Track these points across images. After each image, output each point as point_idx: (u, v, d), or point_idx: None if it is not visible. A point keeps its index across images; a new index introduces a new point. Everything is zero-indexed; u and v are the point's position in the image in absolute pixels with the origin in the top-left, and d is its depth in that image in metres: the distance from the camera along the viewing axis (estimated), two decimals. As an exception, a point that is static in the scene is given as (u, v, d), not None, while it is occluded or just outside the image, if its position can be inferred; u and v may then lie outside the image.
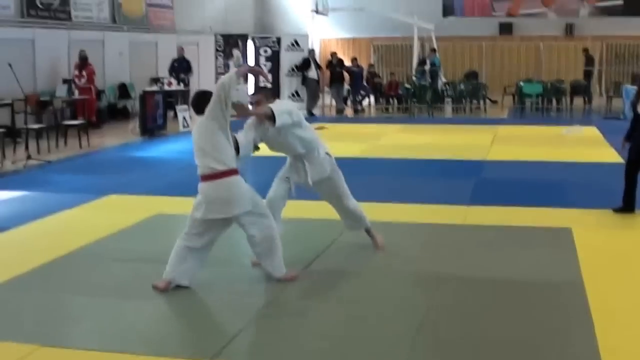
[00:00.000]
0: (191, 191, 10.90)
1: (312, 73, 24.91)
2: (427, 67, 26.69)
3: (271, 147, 8.05)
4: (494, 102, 26.74)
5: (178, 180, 12.87)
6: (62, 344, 5.91)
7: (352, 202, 8.44)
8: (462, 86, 26.17)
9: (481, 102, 26.13)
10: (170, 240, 8.66)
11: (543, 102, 25.31)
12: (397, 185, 12.25)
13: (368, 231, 8.60)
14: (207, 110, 6.97)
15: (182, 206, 10.02)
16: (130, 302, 6.99)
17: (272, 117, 7.30)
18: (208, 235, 7.26)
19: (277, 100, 7.91)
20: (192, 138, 7.26)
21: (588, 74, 27.90)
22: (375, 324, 6.30)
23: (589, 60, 28.43)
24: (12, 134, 17.13)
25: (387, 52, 32.50)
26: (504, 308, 6.67)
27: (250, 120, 7.69)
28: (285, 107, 7.60)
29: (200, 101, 7.10)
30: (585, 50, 28.68)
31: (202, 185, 7.19)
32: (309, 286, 7.33)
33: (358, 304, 6.80)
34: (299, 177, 8.10)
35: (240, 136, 7.45)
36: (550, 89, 25.50)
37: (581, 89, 26.06)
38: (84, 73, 20.86)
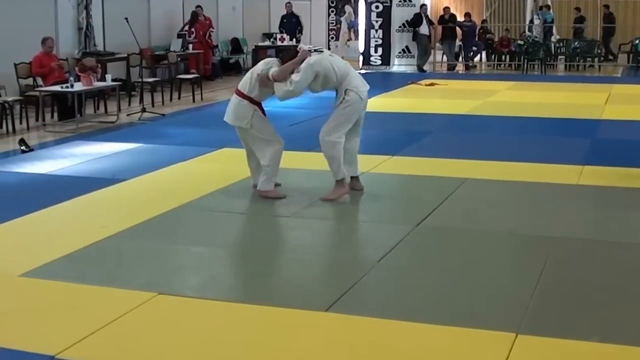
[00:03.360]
0: (303, 145, 11.04)
1: (424, 29, 24.68)
2: (538, 22, 26.20)
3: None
4: (608, 60, 26.11)
5: (289, 135, 12.92)
6: (179, 293, 6.02)
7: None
8: (576, 43, 25.62)
9: (595, 60, 25.56)
10: (283, 193, 8.78)
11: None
12: (509, 143, 12.09)
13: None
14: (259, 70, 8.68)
15: (294, 160, 10.13)
16: (244, 253, 7.11)
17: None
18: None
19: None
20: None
21: (610, 32, 26.35)
22: (489, 284, 6.25)
23: (609, 18, 26.48)
24: (128, 87, 17.47)
25: (500, 7, 31.97)
26: (619, 271, 6.55)
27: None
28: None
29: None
30: (606, 7, 26.75)
31: None
32: (421, 244, 7.32)
33: (471, 264, 6.75)
34: None
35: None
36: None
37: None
38: (193, 30, 21.13)
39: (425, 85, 20.31)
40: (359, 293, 6.06)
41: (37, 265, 6.63)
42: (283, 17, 24.77)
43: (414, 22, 24.69)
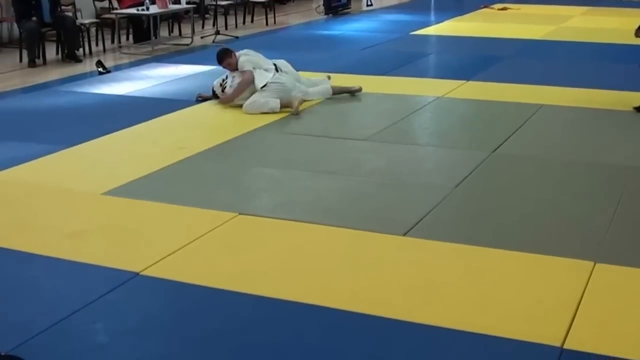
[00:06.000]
0: (374, 69, 11.03)
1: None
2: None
3: None
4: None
5: (361, 59, 12.96)
6: (258, 213, 6.13)
7: None
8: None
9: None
10: (359, 118, 8.80)
11: None
12: (584, 69, 11.92)
13: None
14: None
15: (366, 83, 10.15)
16: (321, 175, 7.13)
17: None
18: None
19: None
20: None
21: None
22: (566, 212, 6.23)
23: None
24: (202, 10, 17.52)
25: None
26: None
27: None
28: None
29: None
30: None
31: None
32: (497, 171, 7.32)
33: (547, 192, 6.73)
34: None
35: None
36: None
37: None
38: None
39: (498, 9, 20.03)
40: (436, 218, 6.10)
41: (119, 185, 6.79)
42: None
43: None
